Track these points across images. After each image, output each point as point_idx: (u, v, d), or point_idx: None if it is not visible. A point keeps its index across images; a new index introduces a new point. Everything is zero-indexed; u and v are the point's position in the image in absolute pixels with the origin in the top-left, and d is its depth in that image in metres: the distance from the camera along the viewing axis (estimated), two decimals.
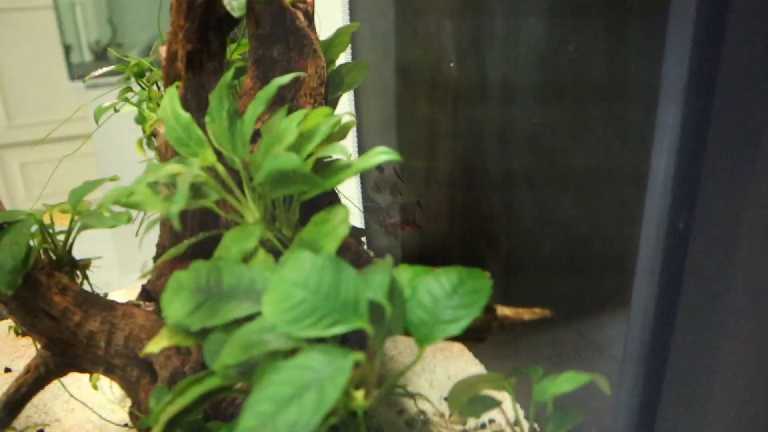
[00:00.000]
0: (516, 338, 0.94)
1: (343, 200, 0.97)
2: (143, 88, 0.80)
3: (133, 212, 0.73)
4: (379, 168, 1.32)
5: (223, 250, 0.64)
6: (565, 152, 0.78)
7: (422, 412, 0.95)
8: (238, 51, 0.91)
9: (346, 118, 0.76)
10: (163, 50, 0.74)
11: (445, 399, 1.01)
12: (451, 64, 0.95)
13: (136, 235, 0.68)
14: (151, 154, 0.90)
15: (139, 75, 0.77)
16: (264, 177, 0.62)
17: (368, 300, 0.54)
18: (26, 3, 2.17)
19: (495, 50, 0.88)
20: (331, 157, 0.68)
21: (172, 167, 0.64)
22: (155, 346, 0.61)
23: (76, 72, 2.30)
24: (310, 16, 0.86)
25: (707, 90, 0.55)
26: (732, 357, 0.59)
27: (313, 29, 0.86)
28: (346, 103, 1.43)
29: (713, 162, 0.57)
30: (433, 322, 0.55)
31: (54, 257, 0.78)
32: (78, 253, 0.82)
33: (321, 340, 0.54)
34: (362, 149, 1.42)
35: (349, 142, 1.42)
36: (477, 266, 0.57)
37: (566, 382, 0.66)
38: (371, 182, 1.36)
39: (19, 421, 0.94)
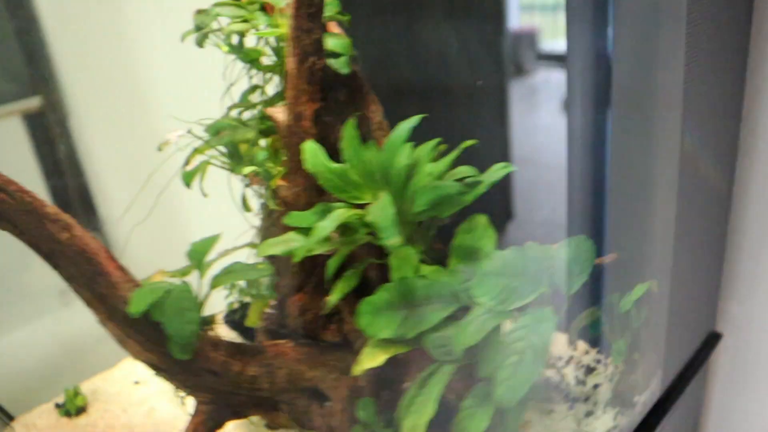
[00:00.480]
0: None
1: None
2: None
3: None
4: None
5: (396, 272, 0.76)
6: None
7: None
8: None
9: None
10: (274, 111, 0.83)
11: None
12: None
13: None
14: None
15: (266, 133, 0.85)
16: (425, 204, 0.75)
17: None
18: None
19: None
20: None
21: (342, 212, 0.75)
22: (373, 362, 0.72)
23: None
24: None
25: None
26: None
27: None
28: None
29: None
30: None
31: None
32: None
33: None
34: None
35: None
36: None
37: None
38: None
39: None
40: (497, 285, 0.70)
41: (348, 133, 0.80)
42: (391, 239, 0.67)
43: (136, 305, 0.75)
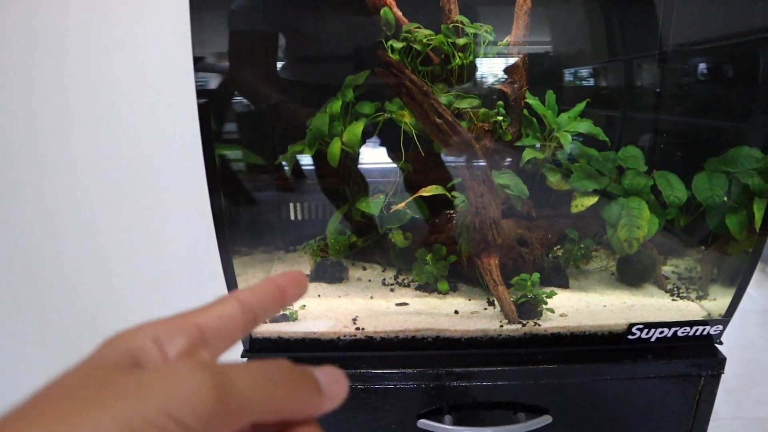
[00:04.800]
0: None
1: None
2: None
3: None
4: None
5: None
6: None
7: None
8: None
9: None
10: (502, 87, 1.50)
11: None
12: None
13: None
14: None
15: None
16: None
17: None
18: None
19: None
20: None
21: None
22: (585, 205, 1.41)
23: None
24: None
25: None
26: None
27: None
28: None
29: None
30: None
31: None
32: None
33: None
34: None
35: None
36: None
37: None
38: None
39: None
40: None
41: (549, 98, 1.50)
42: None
43: None
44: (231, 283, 1.27)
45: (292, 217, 1.85)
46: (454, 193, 1.38)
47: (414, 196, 1.38)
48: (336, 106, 1.54)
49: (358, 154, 1.52)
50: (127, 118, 1.92)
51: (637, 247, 1.43)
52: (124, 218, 2.04)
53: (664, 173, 1.52)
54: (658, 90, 1.75)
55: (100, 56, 1.81)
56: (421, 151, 1.45)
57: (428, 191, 1.37)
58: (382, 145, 1.55)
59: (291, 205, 1.84)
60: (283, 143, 1.64)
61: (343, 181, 1.63)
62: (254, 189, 1.78)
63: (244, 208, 1.77)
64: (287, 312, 1.35)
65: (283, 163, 1.62)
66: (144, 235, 2.08)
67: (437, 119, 1.21)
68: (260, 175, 1.75)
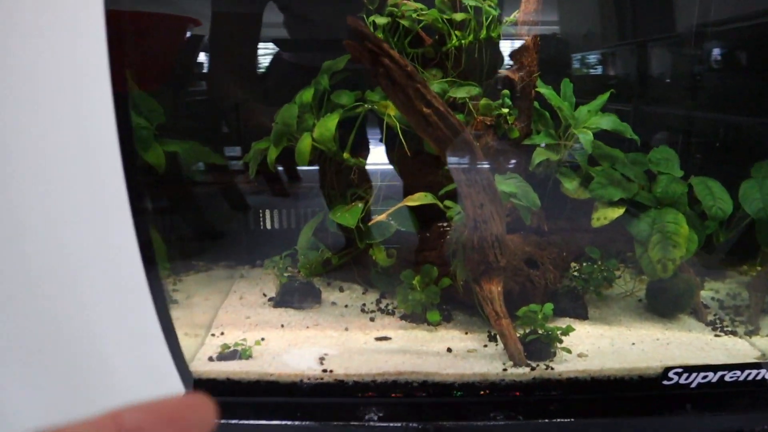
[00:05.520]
0: None
1: None
2: None
3: None
4: None
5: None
6: None
7: None
8: None
9: None
10: (508, 73, 1.23)
11: None
12: None
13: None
14: None
15: None
16: None
17: None
18: None
19: None
20: None
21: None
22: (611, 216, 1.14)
23: None
24: None
25: None
26: None
27: None
28: None
29: None
30: None
31: None
32: None
33: None
34: None
35: None
36: None
37: None
38: None
39: None
40: None
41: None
42: None
43: None
44: (162, 314, 1.00)
45: (266, 226, 1.58)
46: (447, 203, 1.11)
47: (397, 206, 1.11)
48: (307, 95, 1.27)
49: (334, 152, 1.25)
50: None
51: (673, 270, 1.16)
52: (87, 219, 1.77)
53: (704, 179, 1.25)
54: (695, 79, 1.47)
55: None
56: (407, 150, 1.18)
57: (414, 200, 1.11)
58: (361, 141, 1.28)
59: (261, 212, 1.57)
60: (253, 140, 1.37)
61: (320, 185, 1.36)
62: (214, 193, 1.51)
63: (202, 216, 1.49)
64: (239, 347, 1.09)
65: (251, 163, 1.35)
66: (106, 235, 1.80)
67: (425, 108, 0.94)
68: (222, 176, 1.49)
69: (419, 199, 1.12)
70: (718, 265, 1.43)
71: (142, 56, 1.38)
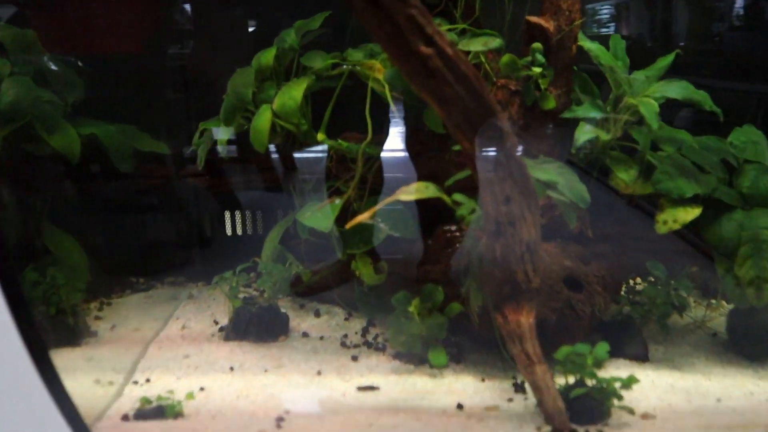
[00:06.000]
0: None
1: None
2: None
3: None
4: None
5: None
6: None
7: None
8: None
9: None
10: (539, 20, 0.90)
11: None
12: None
13: None
14: None
15: None
16: None
17: None
18: None
19: None
20: None
21: None
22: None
23: None
24: None
25: None
26: None
27: None
28: None
29: None
30: None
31: None
32: None
33: None
34: None
35: None
36: None
37: None
38: None
39: None
40: None
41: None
42: None
43: None
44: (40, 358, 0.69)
45: (235, 231, 1.26)
46: (457, 197, 0.78)
47: (387, 200, 0.78)
48: (267, 56, 0.95)
49: (304, 131, 0.92)
50: None
51: None
52: None
53: None
54: None
55: None
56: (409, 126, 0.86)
57: (410, 193, 0.77)
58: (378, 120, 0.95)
59: (227, 214, 1.25)
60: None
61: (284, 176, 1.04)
62: (159, 189, 1.19)
63: (141, 218, 1.17)
64: (164, 402, 0.78)
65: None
66: None
67: (423, 48, 0.61)
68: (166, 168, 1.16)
69: (417, 191, 0.78)
70: None
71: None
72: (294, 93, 0.89)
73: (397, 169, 1.04)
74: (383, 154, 1.00)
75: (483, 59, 0.92)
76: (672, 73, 1.08)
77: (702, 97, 0.91)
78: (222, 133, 0.99)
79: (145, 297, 1.15)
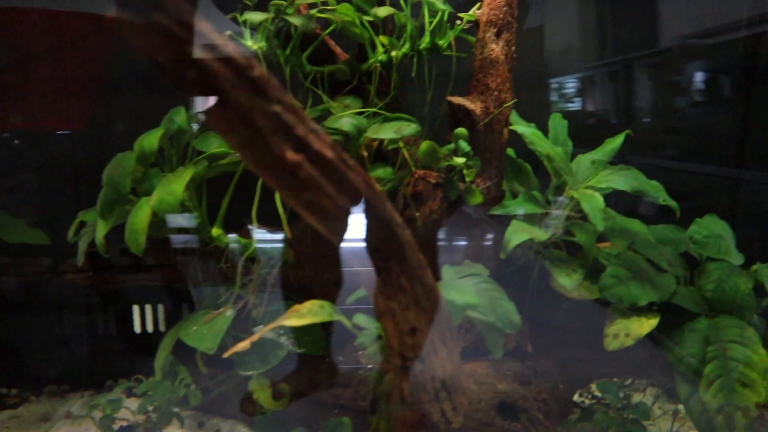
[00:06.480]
0: None
1: None
2: None
3: None
4: None
5: None
6: None
7: None
8: None
9: None
10: (461, 101, 0.77)
11: None
12: None
13: None
14: None
15: None
16: None
17: None
18: None
19: None
20: None
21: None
22: None
23: None
24: None
25: None
26: None
27: None
28: None
29: None
30: None
31: None
32: None
33: None
34: None
35: None
36: None
37: None
38: None
39: None
40: None
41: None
42: None
43: None
44: None
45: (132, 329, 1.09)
46: (358, 319, 0.63)
47: (268, 327, 0.63)
48: (150, 140, 0.80)
49: (198, 227, 0.77)
50: None
51: (745, 429, 0.68)
52: None
53: None
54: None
55: None
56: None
57: (303, 316, 0.62)
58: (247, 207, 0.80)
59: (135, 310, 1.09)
60: None
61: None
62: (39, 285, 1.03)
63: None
64: None
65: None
66: None
67: (291, 154, 0.47)
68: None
69: (311, 313, 0.63)
70: None
71: None
72: (174, 187, 0.74)
73: None
74: None
75: (402, 146, 0.78)
76: (634, 153, 0.96)
77: (653, 188, 0.78)
78: (100, 229, 0.83)
79: (10, 416, 0.97)
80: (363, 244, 0.56)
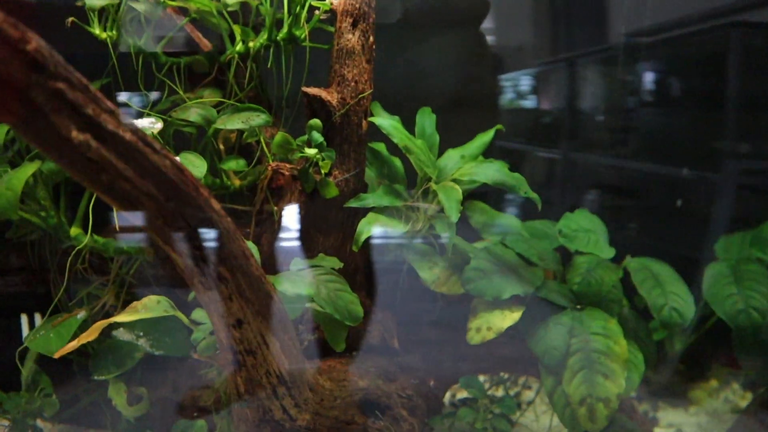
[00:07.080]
0: None
1: None
2: None
3: None
4: None
5: None
6: None
7: None
8: None
9: None
10: (317, 92, 0.75)
11: None
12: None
13: None
14: None
15: None
16: None
17: None
18: None
19: None
20: None
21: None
22: None
23: None
24: None
25: None
26: None
27: None
28: None
29: None
30: None
31: None
32: None
33: None
34: None
35: None
36: None
37: None
38: None
39: None
40: None
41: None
42: None
43: None
44: None
45: None
46: (197, 314, 0.60)
47: (103, 322, 0.59)
48: None
49: (54, 226, 0.74)
50: None
51: (608, 418, 0.67)
52: None
53: (646, 262, 0.78)
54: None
55: None
56: None
57: (132, 313, 0.59)
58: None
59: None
60: None
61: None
62: None
63: None
64: None
65: None
66: None
67: (76, 134, 0.44)
68: None
69: (144, 310, 0.60)
70: (675, 386, 0.96)
71: None
72: (14, 182, 0.71)
73: None
74: None
75: (261, 137, 0.76)
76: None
77: (516, 181, 0.77)
78: None
79: None
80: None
